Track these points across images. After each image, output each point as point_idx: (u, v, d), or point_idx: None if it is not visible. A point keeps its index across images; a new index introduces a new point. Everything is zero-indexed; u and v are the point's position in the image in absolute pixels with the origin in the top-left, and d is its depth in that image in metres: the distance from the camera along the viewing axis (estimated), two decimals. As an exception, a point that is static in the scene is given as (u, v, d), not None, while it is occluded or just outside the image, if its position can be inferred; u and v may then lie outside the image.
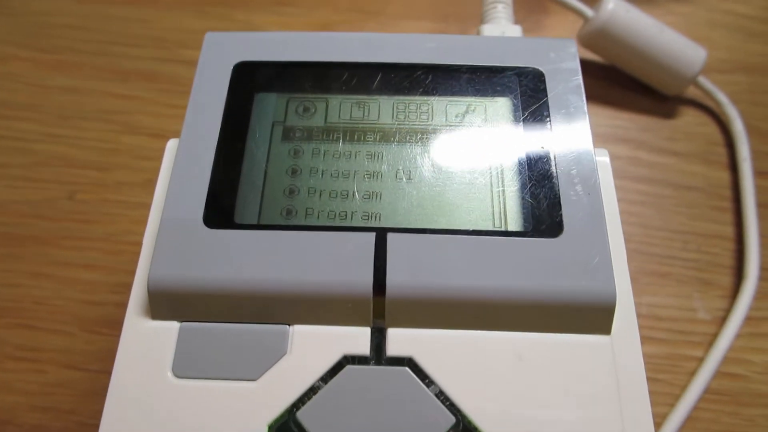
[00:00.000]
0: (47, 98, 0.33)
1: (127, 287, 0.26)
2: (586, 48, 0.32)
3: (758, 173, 0.29)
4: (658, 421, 0.24)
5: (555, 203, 0.17)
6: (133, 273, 0.27)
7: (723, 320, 0.26)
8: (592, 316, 0.16)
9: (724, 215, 0.29)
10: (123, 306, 0.26)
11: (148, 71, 0.33)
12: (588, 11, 0.31)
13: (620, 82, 0.32)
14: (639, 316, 0.25)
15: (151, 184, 0.29)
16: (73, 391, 0.25)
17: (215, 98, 0.19)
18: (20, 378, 0.25)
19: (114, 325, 0.26)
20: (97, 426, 0.24)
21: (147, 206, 0.28)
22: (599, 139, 0.30)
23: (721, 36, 0.34)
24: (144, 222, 0.28)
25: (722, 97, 0.31)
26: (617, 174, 0.29)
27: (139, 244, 0.28)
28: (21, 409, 0.25)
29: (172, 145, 0.19)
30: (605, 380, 0.15)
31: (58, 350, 0.26)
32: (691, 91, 0.32)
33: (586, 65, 0.32)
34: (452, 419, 0.15)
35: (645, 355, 0.25)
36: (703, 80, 0.31)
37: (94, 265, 0.28)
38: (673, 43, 0.30)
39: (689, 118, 0.31)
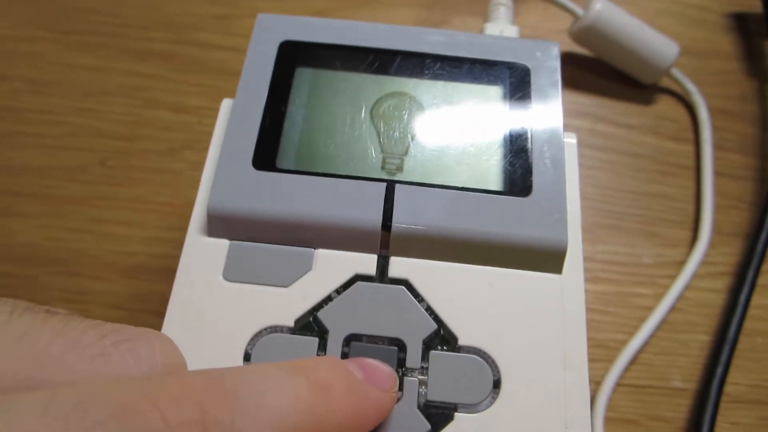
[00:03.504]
0: (73, 76, 0.35)
1: (157, 240, 0.31)
2: (575, 42, 0.36)
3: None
4: (612, 345, 0.28)
5: (527, 171, 0.21)
6: (161, 228, 0.31)
7: (665, 264, 0.31)
8: (547, 258, 0.20)
9: (669, 179, 0.33)
10: (155, 256, 0.30)
11: (165, 52, 0.36)
12: (578, 10, 0.34)
13: (604, 72, 0.36)
14: (594, 260, 0.31)
15: (173, 152, 0.33)
16: (118, 328, 0.29)
17: (264, 69, 0.23)
18: (67, 317, 0.29)
19: (148, 272, 0.29)
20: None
21: (171, 171, 0.32)
22: (585, 119, 0.35)
23: (668, 23, 0.39)
24: (168, 185, 0.32)
25: (691, 86, 0.35)
26: (600, 147, 0.34)
27: (165, 203, 0.32)
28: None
29: (226, 104, 0.23)
30: (553, 309, 0.20)
31: (101, 293, 0.29)
32: (664, 81, 0.36)
33: (575, 58, 0.37)
34: (434, 326, 0.19)
35: (599, 293, 0.30)
36: (675, 71, 0.35)
37: (125, 222, 0.31)
38: (651, 39, 0.34)
39: (661, 104, 0.36)
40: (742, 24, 0.39)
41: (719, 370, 0.27)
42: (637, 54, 0.34)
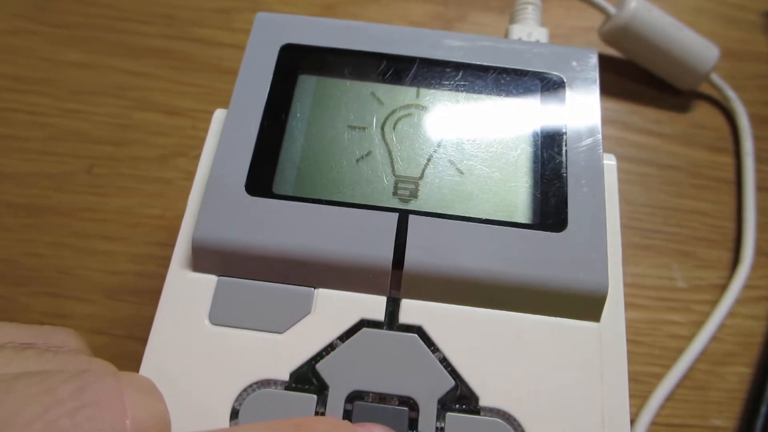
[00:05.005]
0: (60, 73, 0.33)
1: (145, 257, 0.28)
2: (605, 43, 0.33)
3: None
4: (643, 378, 0.26)
5: (562, 202, 0.18)
6: (150, 244, 0.29)
7: (701, 288, 0.28)
8: (584, 305, 0.18)
9: (705, 193, 0.31)
10: (142, 275, 0.28)
11: (160, 48, 0.34)
12: (610, 8, 0.32)
13: (636, 76, 0.34)
14: (623, 284, 0.28)
15: (165, 159, 0.30)
16: (100, 355, 0.25)
17: (262, 76, 0.20)
18: (47, 343, 0.26)
19: (135, 293, 0.27)
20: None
21: (162, 181, 0.30)
22: (613, 126, 0.33)
23: (705, 22, 0.36)
24: (159, 196, 0.30)
25: (731, 93, 0.33)
26: (629, 158, 0.32)
27: (155, 216, 0.29)
28: (50, 372, 0.26)
29: (219, 114, 0.21)
30: (591, 363, 0.17)
31: (83, 316, 0.26)
32: (701, 86, 0.34)
33: (604, 60, 0.34)
34: (452, 383, 0.17)
35: (628, 320, 0.27)
36: (714, 77, 0.33)
37: (112, 236, 0.28)
38: (690, 42, 0.32)
39: (696, 110, 0.33)
40: (782, 23, 0.36)
41: (764, 408, 0.25)
42: (674, 58, 0.32)
